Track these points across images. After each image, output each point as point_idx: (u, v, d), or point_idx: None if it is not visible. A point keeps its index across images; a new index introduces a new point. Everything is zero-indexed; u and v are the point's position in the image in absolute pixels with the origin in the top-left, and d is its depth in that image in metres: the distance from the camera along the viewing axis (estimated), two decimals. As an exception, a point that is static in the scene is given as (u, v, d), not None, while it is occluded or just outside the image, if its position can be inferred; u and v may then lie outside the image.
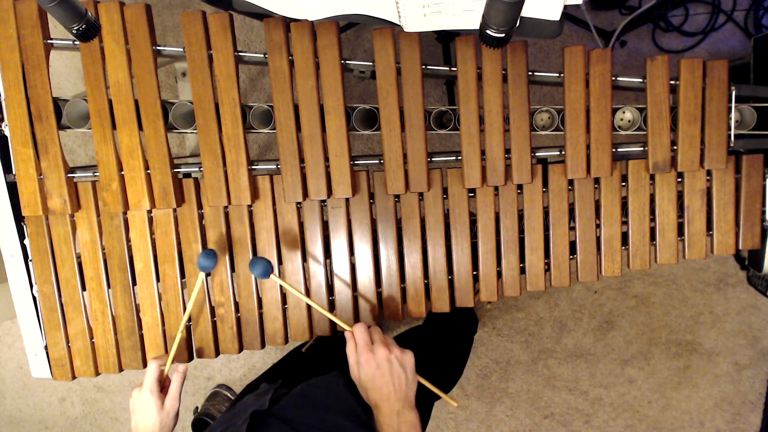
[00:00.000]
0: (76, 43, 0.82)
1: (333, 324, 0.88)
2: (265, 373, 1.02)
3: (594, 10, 1.55)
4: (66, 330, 0.89)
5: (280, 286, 0.87)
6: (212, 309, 0.88)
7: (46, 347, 0.89)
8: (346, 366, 0.81)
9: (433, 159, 0.84)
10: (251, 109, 0.84)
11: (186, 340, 0.88)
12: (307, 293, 0.87)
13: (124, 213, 0.86)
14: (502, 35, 0.67)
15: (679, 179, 0.84)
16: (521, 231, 0.85)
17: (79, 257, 0.88)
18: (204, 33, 0.81)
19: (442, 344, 1.21)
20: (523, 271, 0.87)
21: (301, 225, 0.86)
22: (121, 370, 0.89)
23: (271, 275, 0.79)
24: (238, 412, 0.74)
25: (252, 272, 0.79)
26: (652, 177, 0.84)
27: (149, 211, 0.86)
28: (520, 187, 0.84)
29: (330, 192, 0.84)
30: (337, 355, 1.16)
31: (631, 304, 1.73)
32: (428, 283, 0.87)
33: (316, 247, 0.86)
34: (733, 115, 0.81)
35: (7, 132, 0.84)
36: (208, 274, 0.83)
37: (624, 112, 0.85)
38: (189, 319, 0.86)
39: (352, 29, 1.59)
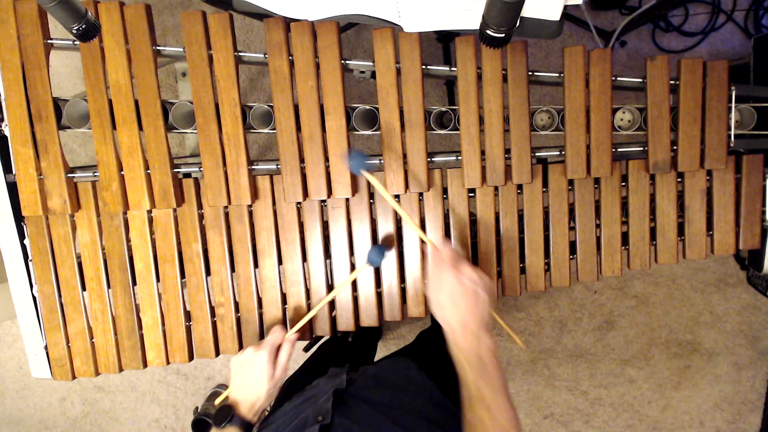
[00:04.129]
0: (76, 43, 0.82)
1: (333, 324, 0.88)
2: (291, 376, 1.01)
3: (594, 10, 1.55)
4: (66, 330, 0.89)
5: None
6: (212, 309, 0.88)
7: (46, 347, 0.89)
8: (345, 365, 0.80)
9: (433, 159, 0.84)
10: (251, 109, 0.84)
11: (186, 340, 0.88)
12: (307, 293, 0.87)
13: (124, 213, 0.86)
14: (502, 35, 0.67)
15: (679, 179, 0.84)
16: (521, 231, 0.85)
17: (79, 257, 0.88)
18: (204, 33, 0.81)
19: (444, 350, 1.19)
20: (523, 271, 0.87)
21: (301, 225, 0.86)
22: (121, 370, 0.89)
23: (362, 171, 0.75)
24: (312, 395, 0.73)
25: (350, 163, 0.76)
26: (652, 177, 0.84)
27: (149, 211, 0.86)
28: (520, 187, 0.84)
29: (330, 192, 0.84)
30: (337, 354, 1.17)
31: (631, 304, 1.73)
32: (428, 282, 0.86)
33: (316, 247, 0.86)
34: (733, 115, 0.81)
35: (7, 132, 0.84)
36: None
37: (624, 112, 0.85)
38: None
39: (352, 29, 1.59)
